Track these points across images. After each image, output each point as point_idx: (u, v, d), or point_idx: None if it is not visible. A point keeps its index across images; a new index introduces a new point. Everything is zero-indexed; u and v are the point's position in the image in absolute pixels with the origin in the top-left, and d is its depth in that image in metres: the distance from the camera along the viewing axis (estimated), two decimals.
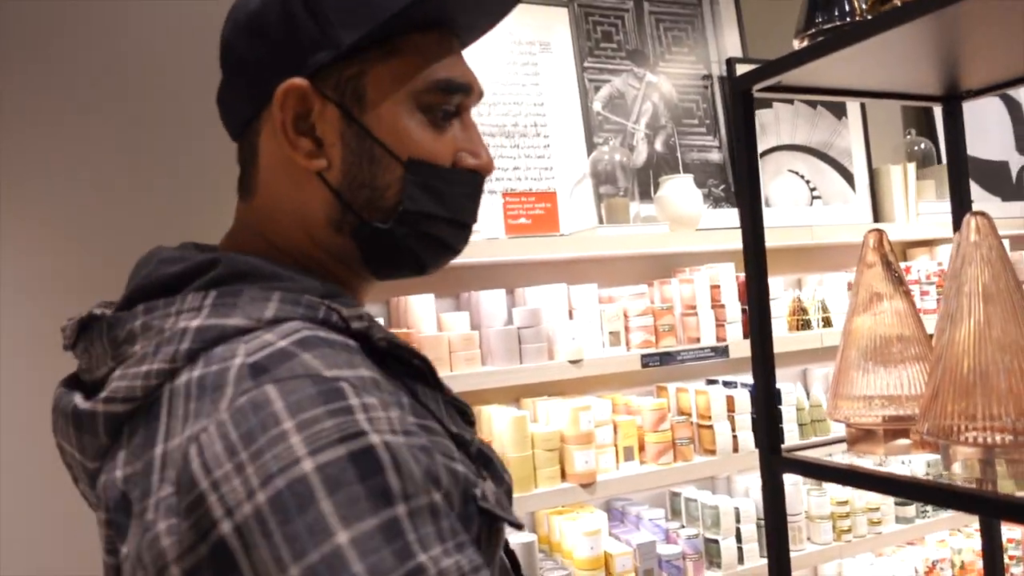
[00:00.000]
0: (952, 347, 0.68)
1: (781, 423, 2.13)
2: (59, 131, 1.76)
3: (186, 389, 0.51)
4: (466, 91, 0.64)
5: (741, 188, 0.72)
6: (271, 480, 0.46)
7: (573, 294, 2.04)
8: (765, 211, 2.41)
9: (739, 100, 0.73)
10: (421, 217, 0.63)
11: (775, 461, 0.70)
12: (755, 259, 0.73)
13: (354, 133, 0.61)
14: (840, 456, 0.84)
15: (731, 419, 2.08)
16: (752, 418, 2.10)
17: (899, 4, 0.73)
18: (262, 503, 0.45)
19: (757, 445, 2.09)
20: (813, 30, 0.83)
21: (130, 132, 1.82)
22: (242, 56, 0.63)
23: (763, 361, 0.77)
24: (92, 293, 1.70)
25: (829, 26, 0.82)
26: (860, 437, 0.79)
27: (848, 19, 0.82)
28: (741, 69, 2.43)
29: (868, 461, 0.83)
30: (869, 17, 0.78)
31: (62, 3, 1.78)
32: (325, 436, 0.47)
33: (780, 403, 2.14)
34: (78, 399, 0.57)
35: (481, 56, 2.10)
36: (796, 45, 0.85)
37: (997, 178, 2.83)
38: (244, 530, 0.46)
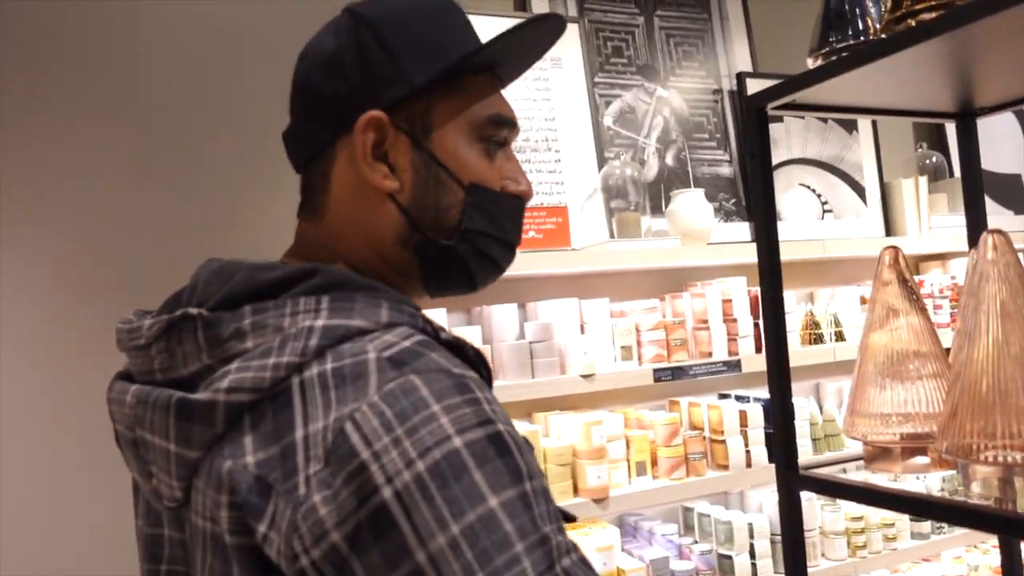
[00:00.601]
0: (970, 365, 0.68)
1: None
2: (60, 132, 1.79)
3: (321, 380, 0.57)
4: (512, 125, 0.73)
5: (757, 204, 0.72)
6: (428, 452, 0.52)
7: (585, 308, 2.04)
8: (778, 225, 2.42)
9: (753, 118, 0.73)
10: (478, 235, 0.71)
11: (792, 478, 0.70)
12: (770, 275, 0.73)
13: (423, 160, 0.69)
14: (855, 473, 0.83)
15: (744, 434, 2.07)
16: (766, 433, 2.09)
17: (914, 24, 0.74)
18: (422, 471, 0.52)
19: (772, 460, 2.08)
20: (827, 49, 0.83)
21: (133, 134, 1.84)
22: (320, 93, 0.70)
23: (779, 377, 0.77)
24: (93, 295, 1.72)
25: (843, 45, 0.83)
26: (877, 455, 0.79)
27: (862, 38, 0.83)
28: (752, 83, 2.44)
29: (882, 478, 0.83)
30: (884, 36, 0.78)
31: (70, 6, 1.80)
32: (467, 420, 0.54)
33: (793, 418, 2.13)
34: (178, 392, 0.60)
35: None
36: (810, 64, 0.85)
37: (1009, 191, 2.82)
38: (405, 495, 0.51)
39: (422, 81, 0.68)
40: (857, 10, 0.82)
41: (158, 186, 1.84)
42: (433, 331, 0.63)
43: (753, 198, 0.72)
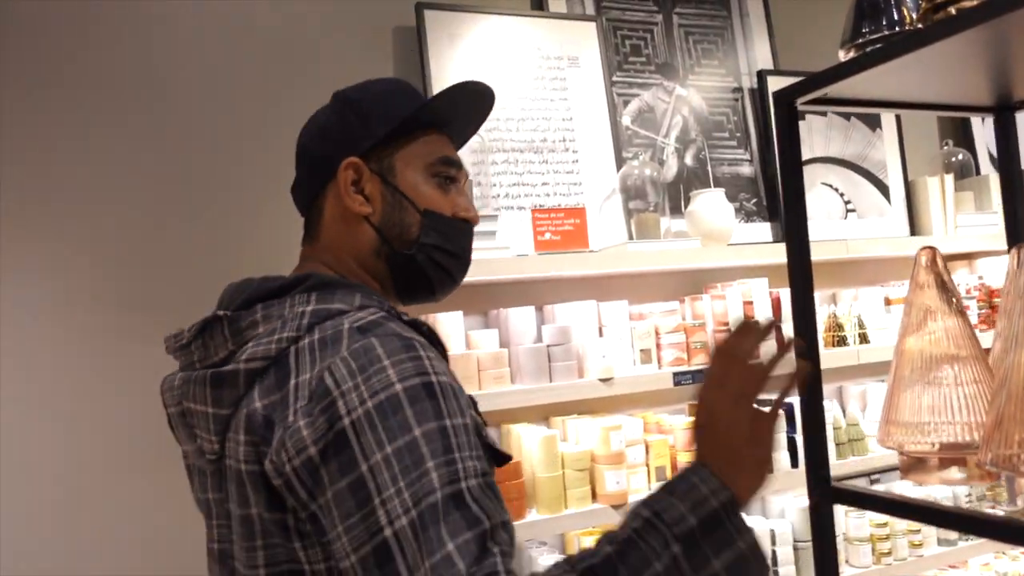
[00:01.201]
0: (1017, 371, 0.63)
1: None
2: (71, 143, 1.78)
3: (310, 346, 0.78)
4: (458, 166, 0.97)
5: (787, 203, 0.69)
6: (376, 394, 0.72)
7: (603, 311, 2.01)
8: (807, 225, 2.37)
9: (783, 113, 0.70)
10: (432, 248, 0.93)
11: (825, 492, 0.66)
12: (801, 277, 0.70)
13: (389, 191, 0.92)
14: (888, 484, 0.80)
15: None
16: (788, 437, 2.05)
17: (954, 12, 0.70)
18: (371, 407, 0.72)
19: (795, 466, 2.04)
20: (860, 40, 0.80)
21: (146, 145, 1.83)
22: (314, 152, 0.95)
23: (809, 385, 0.73)
24: (102, 307, 1.71)
25: (876, 36, 0.79)
26: (913, 465, 0.75)
27: (897, 29, 0.79)
28: (773, 81, 2.40)
29: (908, 486, 0.79)
30: (920, 27, 0.75)
31: (84, 14, 1.80)
32: (408, 371, 0.74)
33: None
34: (212, 369, 0.82)
35: (509, 71, 2.09)
36: (842, 56, 0.82)
37: None
38: (357, 424, 0.71)
39: (383, 133, 0.92)
40: (892, 0, 0.79)
41: (170, 198, 1.83)
42: (396, 313, 0.83)
43: (783, 196, 0.69)
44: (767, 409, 0.78)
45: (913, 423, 0.74)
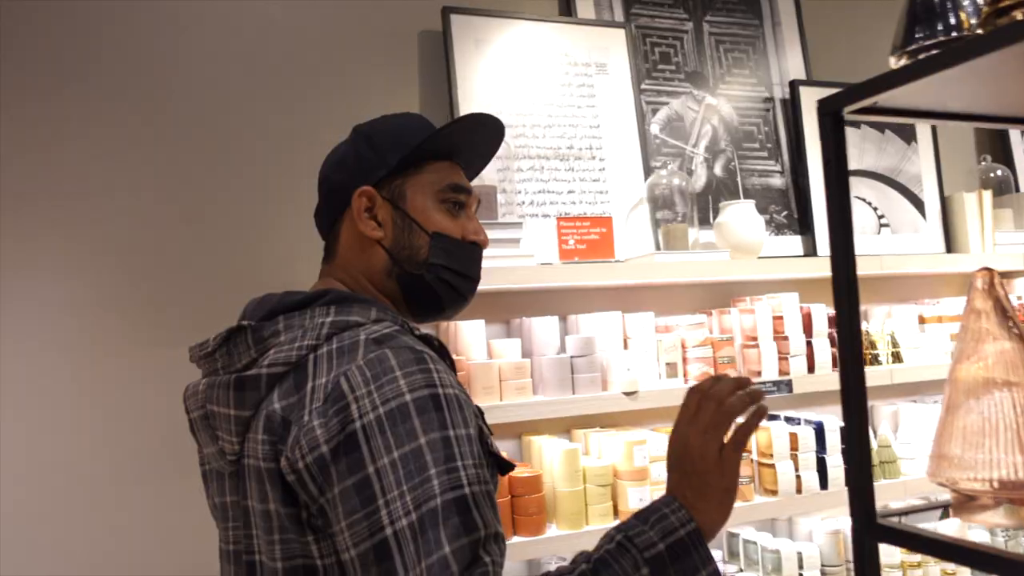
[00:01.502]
0: None
1: (845, 465, 2.01)
2: (83, 144, 1.77)
3: (327, 354, 0.84)
4: (467, 192, 1.04)
5: (832, 216, 0.64)
6: (388, 402, 0.78)
7: (628, 322, 1.96)
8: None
9: (828, 123, 0.65)
10: (441, 268, 0.99)
11: (872, 532, 0.61)
12: (847, 293, 0.65)
13: (400, 216, 0.99)
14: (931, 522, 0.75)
15: (794, 458, 1.96)
16: (817, 457, 1.98)
17: (1021, 17, 0.65)
18: (382, 414, 0.77)
19: (824, 486, 1.97)
20: (913, 46, 0.75)
21: (159, 146, 1.81)
22: (332, 182, 1.03)
23: (856, 409, 0.67)
24: (104, 305, 1.69)
25: (931, 42, 0.74)
26: (965, 503, 0.70)
27: (954, 34, 0.74)
28: (805, 91, 2.34)
29: (950, 525, 0.74)
30: (981, 32, 0.70)
31: (99, 14, 1.79)
32: (417, 383, 0.79)
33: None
34: (235, 374, 0.87)
35: (536, 77, 2.06)
36: (893, 63, 0.77)
37: None
38: (368, 428, 0.77)
39: (394, 163, 0.99)
40: (948, 3, 0.74)
41: (182, 199, 1.81)
42: (409, 328, 0.91)
43: (828, 209, 0.64)
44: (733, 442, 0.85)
45: (967, 458, 0.69)
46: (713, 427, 0.83)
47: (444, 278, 0.99)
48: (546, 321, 1.89)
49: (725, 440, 0.84)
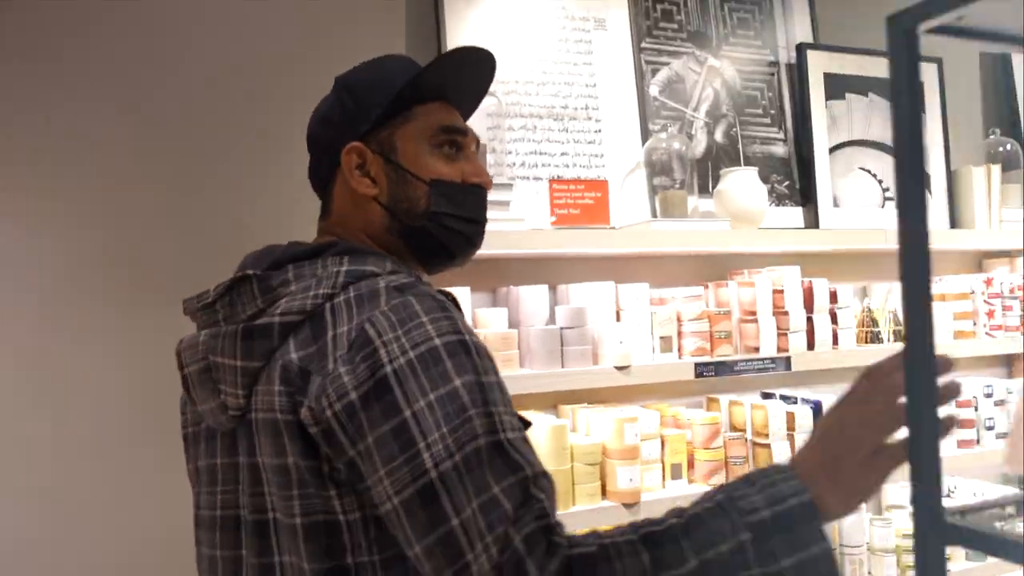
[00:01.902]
0: None
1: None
2: (59, 127, 1.63)
3: (346, 303, 0.80)
4: (463, 132, 0.97)
5: (901, 164, 0.53)
6: (418, 346, 0.75)
7: (622, 293, 1.86)
8: (834, 211, 2.21)
9: (900, 43, 0.54)
10: (444, 215, 0.94)
11: (938, 532, 0.50)
12: (919, 257, 0.53)
13: (392, 169, 0.94)
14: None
15: (791, 438, 1.88)
16: None
17: None
18: (413, 358, 0.74)
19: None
20: None
21: (135, 129, 1.68)
22: (319, 139, 0.98)
23: (926, 398, 0.54)
24: (88, 294, 1.57)
25: None
26: None
27: None
28: (812, 56, 2.23)
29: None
30: None
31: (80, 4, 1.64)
32: (445, 328, 0.77)
33: None
34: (244, 323, 0.83)
35: (530, 31, 1.93)
36: None
37: None
38: (400, 371, 0.74)
39: (378, 112, 0.93)
40: None
41: (158, 183, 1.68)
42: (419, 279, 0.88)
43: (897, 155, 0.52)
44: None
45: None
46: (878, 425, 0.73)
47: (448, 225, 0.94)
48: (535, 290, 1.78)
49: (886, 441, 0.73)
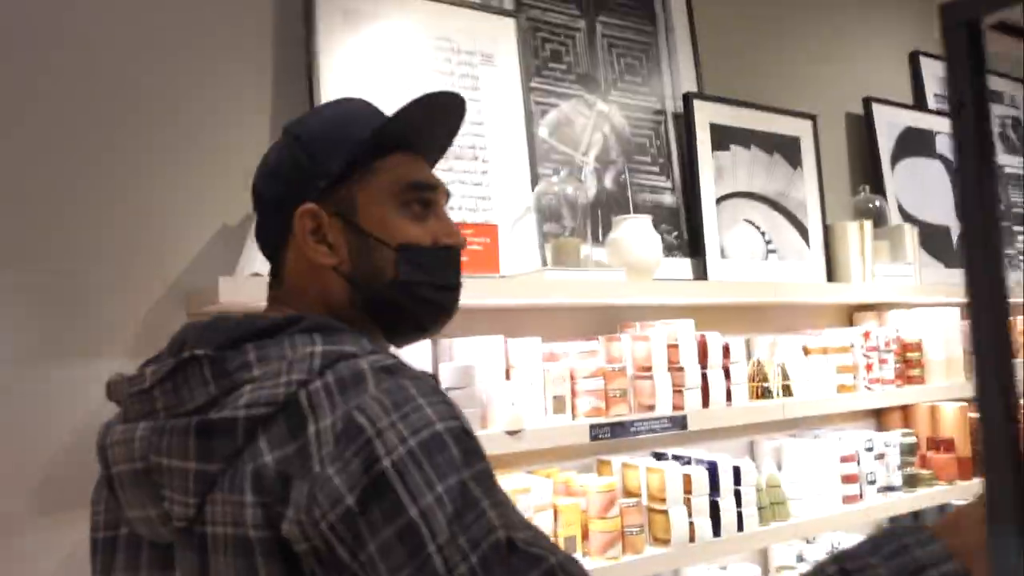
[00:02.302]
0: None
1: (737, 508, 1.85)
2: None
3: (325, 389, 0.70)
4: (433, 188, 0.87)
5: (968, 187, 0.39)
6: (418, 432, 0.67)
7: (512, 349, 1.70)
8: (722, 263, 2.17)
9: (959, 40, 0.41)
10: (414, 284, 0.84)
11: None
12: (995, 299, 0.40)
13: (354, 234, 0.83)
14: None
15: (688, 503, 1.77)
16: (710, 501, 1.80)
17: None
18: (413, 446, 0.66)
19: (717, 533, 1.78)
20: None
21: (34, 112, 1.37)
22: (267, 197, 0.87)
23: (1012, 456, 0.41)
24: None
25: None
26: None
27: None
28: (699, 105, 2.20)
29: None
30: None
31: None
32: (445, 412, 0.70)
33: (740, 483, 1.86)
34: (197, 416, 0.71)
35: (413, 61, 1.77)
36: None
37: (939, 243, 2.72)
38: (399, 464, 0.66)
39: (337, 169, 0.82)
40: None
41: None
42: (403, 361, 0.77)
43: (963, 175, 0.39)
44: None
45: None
46: None
47: (420, 295, 0.85)
48: (415, 346, 1.58)
49: None
